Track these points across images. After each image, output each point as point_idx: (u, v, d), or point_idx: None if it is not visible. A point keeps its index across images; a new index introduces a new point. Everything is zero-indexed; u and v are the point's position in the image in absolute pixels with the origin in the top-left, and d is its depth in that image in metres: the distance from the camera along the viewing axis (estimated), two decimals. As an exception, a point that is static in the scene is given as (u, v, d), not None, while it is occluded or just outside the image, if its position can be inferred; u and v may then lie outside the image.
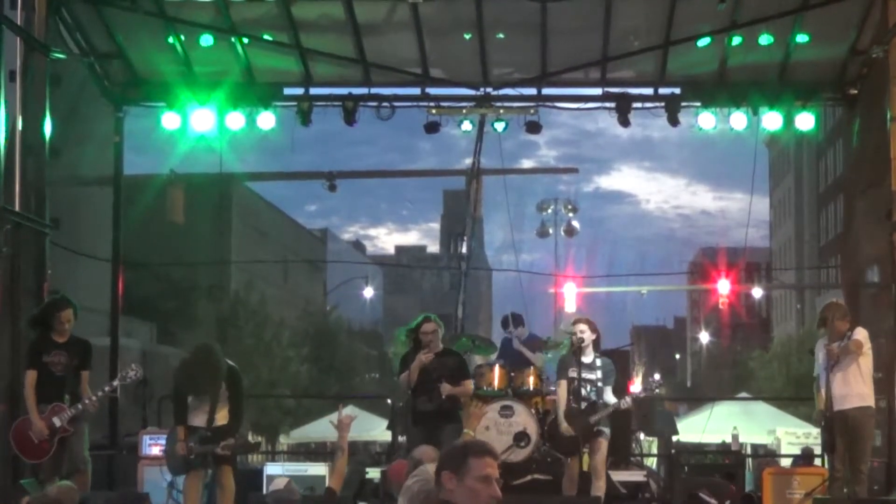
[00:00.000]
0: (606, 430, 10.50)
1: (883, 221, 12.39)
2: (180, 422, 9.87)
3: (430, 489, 4.46)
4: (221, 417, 9.83)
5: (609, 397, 10.53)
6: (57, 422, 9.95)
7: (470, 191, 20.72)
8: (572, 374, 10.49)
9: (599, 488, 10.36)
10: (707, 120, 13.80)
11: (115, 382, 10.61)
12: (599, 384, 10.51)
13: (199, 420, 9.83)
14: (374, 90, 14.10)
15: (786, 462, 16.55)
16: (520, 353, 12.40)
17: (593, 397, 10.45)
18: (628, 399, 10.72)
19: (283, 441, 37.03)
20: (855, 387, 10.25)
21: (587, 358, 10.52)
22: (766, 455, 25.54)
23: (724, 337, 57.91)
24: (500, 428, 11.34)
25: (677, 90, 14.03)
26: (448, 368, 10.76)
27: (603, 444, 10.44)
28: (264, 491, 11.43)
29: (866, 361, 10.37)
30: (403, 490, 4.50)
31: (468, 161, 18.75)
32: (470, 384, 11.05)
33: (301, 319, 47.51)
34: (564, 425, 10.41)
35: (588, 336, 10.55)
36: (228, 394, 9.87)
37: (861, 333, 10.37)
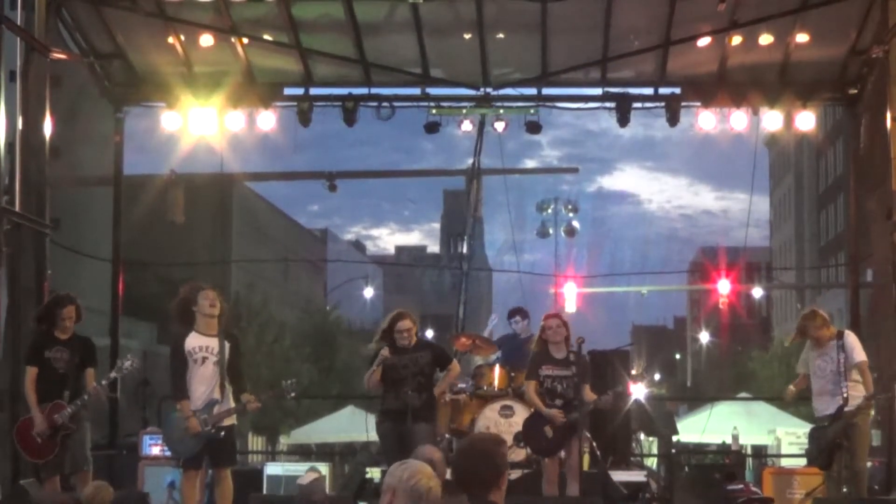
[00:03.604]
0: (583, 430, 10.24)
1: (884, 221, 12.40)
2: (184, 396, 9.39)
3: (423, 489, 4.43)
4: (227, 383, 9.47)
5: (588, 395, 10.13)
6: (59, 419, 9.92)
7: (470, 191, 20.71)
8: (545, 371, 10.17)
9: (574, 490, 10.02)
10: (707, 120, 13.82)
11: (113, 374, 10.47)
12: (576, 380, 10.08)
13: (197, 402, 9.38)
14: (374, 90, 14.11)
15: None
16: (522, 350, 12.37)
17: (570, 395, 10.09)
18: (609, 395, 10.41)
19: (284, 441, 37.01)
20: (851, 389, 10.20)
21: (560, 354, 10.19)
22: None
23: (725, 337, 57.81)
24: (500, 428, 11.33)
25: (677, 90, 14.04)
26: (420, 365, 10.19)
27: (578, 444, 10.12)
28: (264, 491, 11.45)
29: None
30: (408, 493, 4.45)
31: (470, 161, 18.73)
32: (455, 365, 10.63)
33: (301, 319, 47.50)
34: (555, 412, 9.98)
35: (561, 332, 10.19)
36: (230, 357, 9.49)
37: (855, 341, 10.27)
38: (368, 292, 55.34)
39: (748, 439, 25.33)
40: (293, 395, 10.15)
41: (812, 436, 10.60)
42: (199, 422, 9.34)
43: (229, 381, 9.51)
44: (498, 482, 4.72)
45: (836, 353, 10.19)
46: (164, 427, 9.93)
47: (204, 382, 9.45)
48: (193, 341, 9.51)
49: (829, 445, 10.13)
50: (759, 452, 26.71)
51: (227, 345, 9.52)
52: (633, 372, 11.66)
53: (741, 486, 11.19)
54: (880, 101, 12.78)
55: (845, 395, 10.06)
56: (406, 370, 10.15)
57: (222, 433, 9.45)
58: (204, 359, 9.47)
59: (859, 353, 10.18)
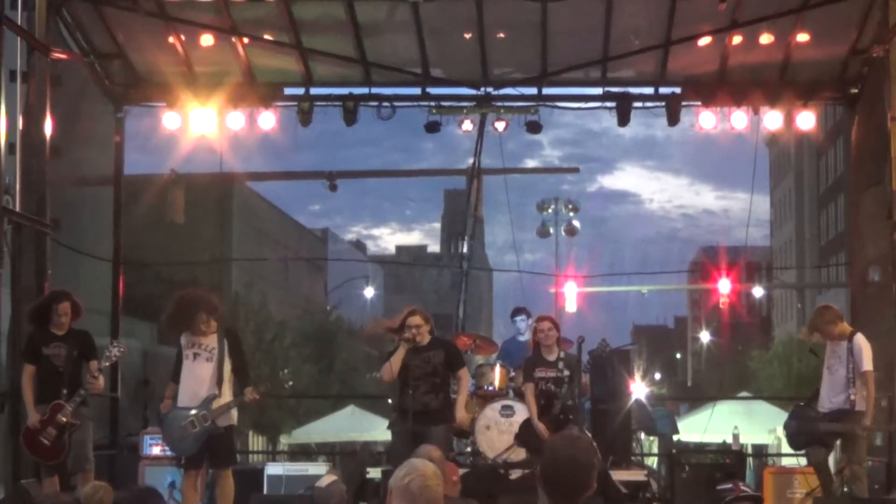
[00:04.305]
0: (576, 427, 10.31)
1: (884, 221, 12.40)
2: (171, 380, 9.63)
3: (415, 489, 4.44)
4: (228, 376, 9.49)
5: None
6: (62, 419, 9.90)
7: (470, 190, 20.70)
8: (538, 374, 10.40)
9: None
10: (707, 119, 13.82)
11: (104, 363, 10.46)
12: (565, 380, 10.37)
13: (192, 399, 9.44)
14: (374, 90, 14.11)
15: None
16: (522, 353, 12.37)
17: (564, 396, 10.32)
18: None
19: (284, 441, 36.99)
20: (858, 394, 10.18)
21: (551, 356, 10.45)
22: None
23: (725, 336, 57.80)
24: (500, 427, 11.34)
25: (678, 90, 14.04)
26: (434, 364, 10.13)
27: None
28: (265, 491, 11.45)
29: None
30: (401, 491, 4.44)
31: (471, 161, 18.74)
32: (465, 374, 10.49)
33: (301, 319, 47.47)
34: (541, 426, 10.22)
35: (552, 335, 10.44)
36: (231, 354, 9.52)
37: (864, 347, 10.25)
38: (369, 292, 55.33)
39: (749, 439, 25.25)
40: (290, 383, 10.17)
41: (800, 415, 10.58)
42: (199, 418, 9.36)
43: (233, 375, 9.54)
44: (589, 489, 4.86)
45: (846, 354, 10.17)
46: (164, 425, 9.94)
47: (195, 380, 9.48)
48: (186, 339, 9.60)
49: (810, 436, 10.17)
50: (760, 452, 26.68)
51: (225, 342, 9.54)
52: (605, 348, 11.24)
53: (730, 485, 11.22)
54: (879, 100, 12.79)
55: (852, 398, 10.06)
56: (420, 370, 10.08)
57: (222, 430, 9.47)
58: (195, 355, 9.51)
59: (866, 363, 10.13)
